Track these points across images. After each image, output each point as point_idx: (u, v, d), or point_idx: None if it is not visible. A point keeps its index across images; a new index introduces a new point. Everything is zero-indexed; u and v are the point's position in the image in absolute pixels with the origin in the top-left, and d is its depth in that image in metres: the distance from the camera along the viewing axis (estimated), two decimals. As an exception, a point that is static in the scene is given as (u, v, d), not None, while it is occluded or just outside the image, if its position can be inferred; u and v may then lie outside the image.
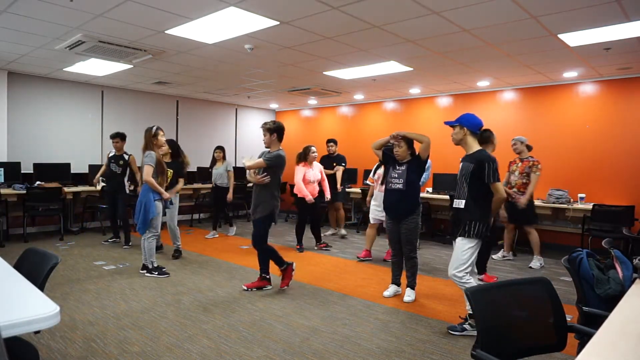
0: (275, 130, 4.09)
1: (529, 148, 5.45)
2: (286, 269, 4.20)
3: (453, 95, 7.74)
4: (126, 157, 6.08)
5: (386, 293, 4.11)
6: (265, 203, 4.03)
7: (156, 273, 4.63)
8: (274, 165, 4.01)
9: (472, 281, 3.11)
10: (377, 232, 5.63)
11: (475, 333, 3.12)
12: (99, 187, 6.66)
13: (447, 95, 7.81)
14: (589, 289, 2.13)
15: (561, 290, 4.18)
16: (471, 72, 6.06)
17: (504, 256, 5.79)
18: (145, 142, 4.59)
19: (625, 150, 5.97)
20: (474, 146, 3.16)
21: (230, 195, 6.73)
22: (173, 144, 5.57)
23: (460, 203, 3.15)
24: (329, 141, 7.17)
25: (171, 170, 5.22)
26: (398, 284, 4.16)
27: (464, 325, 3.21)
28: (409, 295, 3.98)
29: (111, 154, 6.13)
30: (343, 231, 7.31)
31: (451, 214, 3.38)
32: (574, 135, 6.40)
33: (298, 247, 6.17)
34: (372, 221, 5.47)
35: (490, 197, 3.10)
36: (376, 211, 5.31)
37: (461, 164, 3.21)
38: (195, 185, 8.33)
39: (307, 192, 5.87)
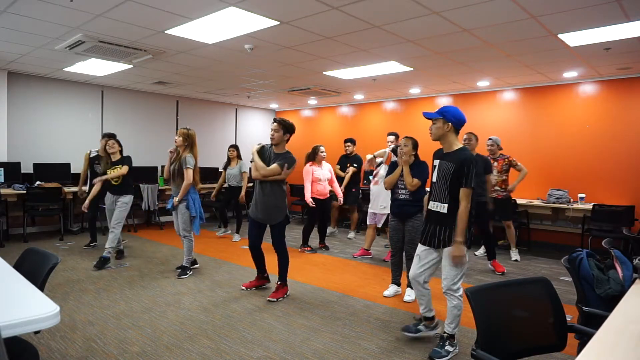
0: (291, 131, 3.90)
1: (500, 147, 5.77)
2: (283, 286, 4.04)
3: (453, 95, 7.74)
4: None
5: (386, 293, 4.12)
6: (282, 206, 3.93)
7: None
8: (291, 168, 3.87)
9: (462, 292, 2.89)
10: (376, 232, 5.64)
11: (430, 334, 3.11)
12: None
13: (447, 95, 7.81)
14: (589, 289, 2.14)
15: (561, 290, 4.18)
16: (471, 72, 6.06)
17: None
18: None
19: (626, 151, 5.97)
20: (455, 143, 2.85)
21: (242, 196, 6.54)
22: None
23: (441, 207, 2.85)
24: (346, 141, 6.98)
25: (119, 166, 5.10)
26: (398, 284, 4.17)
27: (419, 327, 3.13)
28: (409, 295, 3.98)
29: (93, 154, 6.00)
30: (352, 234, 7.25)
31: (425, 216, 3.04)
32: (574, 135, 6.40)
33: (309, 249, 6.10)
34: (368, 222, 5.50)
35: (474, 199, 2.80)
36: (370, 211, 5.39)
37: (437, 161, 2.92)
38: (195, 185, 8.31)
39: (309, 194, 5.83)
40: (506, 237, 5.92)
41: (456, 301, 2.85)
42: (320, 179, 5.93)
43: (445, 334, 2.89)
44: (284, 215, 3.95)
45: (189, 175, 4.45)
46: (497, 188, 5.62)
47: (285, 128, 3.86)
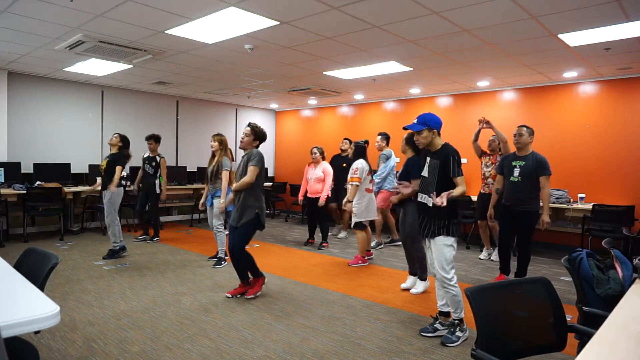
0: (262, 138, 3.90)
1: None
2: (258, 279, 4.00)
3: (453, 95, 7.74)
4: (158, 159, 6.39)
5: (404, 285, 4.27)
6: (250, 208, 3.75)
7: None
8: (262, 166, 3.83)
9: (456, 281, 3.05)
10: (370, 232, 5.55)
11: (446, 332, 3.14)
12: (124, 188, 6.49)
13: (447, 95, 7.81)
14: (589, 289, 2.13)
15: (561, 290, 4.18)
16: (471, 72, 6.06)
17: (489, 254, 5.75)
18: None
19: (625, 150, 5.97)
20: (440, 142, 3.08)
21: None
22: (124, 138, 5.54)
23: (427, 199, 3.06)
24: (344, 139, 7.03)
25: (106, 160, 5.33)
26: (415, 274, 4.25)
27: (435, 325, 3.19)
28: (416, 287, 4.06)
29: (145, 155, 6.50)
30: (342, 234, 7.26)
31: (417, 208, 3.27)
32: (574, 135, 6.40)
33: (311, 241, 6.49)
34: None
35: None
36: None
37: (428, 159, 3.12)
38: (195, 186, 8.32)
39: (301, 192, 6.52)
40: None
41: (454, 290, 3.02)
42: (309, 177, 6.35)
43: (456, 321, 3.05)
44: (250, 218, 3.74)
45: (225, 176, 5.01)
46: (490, 181, 5.42)
47: (257, 134, 3.87)
